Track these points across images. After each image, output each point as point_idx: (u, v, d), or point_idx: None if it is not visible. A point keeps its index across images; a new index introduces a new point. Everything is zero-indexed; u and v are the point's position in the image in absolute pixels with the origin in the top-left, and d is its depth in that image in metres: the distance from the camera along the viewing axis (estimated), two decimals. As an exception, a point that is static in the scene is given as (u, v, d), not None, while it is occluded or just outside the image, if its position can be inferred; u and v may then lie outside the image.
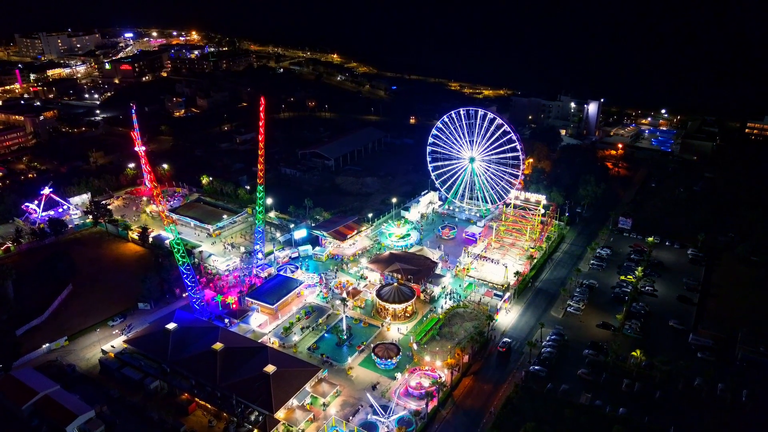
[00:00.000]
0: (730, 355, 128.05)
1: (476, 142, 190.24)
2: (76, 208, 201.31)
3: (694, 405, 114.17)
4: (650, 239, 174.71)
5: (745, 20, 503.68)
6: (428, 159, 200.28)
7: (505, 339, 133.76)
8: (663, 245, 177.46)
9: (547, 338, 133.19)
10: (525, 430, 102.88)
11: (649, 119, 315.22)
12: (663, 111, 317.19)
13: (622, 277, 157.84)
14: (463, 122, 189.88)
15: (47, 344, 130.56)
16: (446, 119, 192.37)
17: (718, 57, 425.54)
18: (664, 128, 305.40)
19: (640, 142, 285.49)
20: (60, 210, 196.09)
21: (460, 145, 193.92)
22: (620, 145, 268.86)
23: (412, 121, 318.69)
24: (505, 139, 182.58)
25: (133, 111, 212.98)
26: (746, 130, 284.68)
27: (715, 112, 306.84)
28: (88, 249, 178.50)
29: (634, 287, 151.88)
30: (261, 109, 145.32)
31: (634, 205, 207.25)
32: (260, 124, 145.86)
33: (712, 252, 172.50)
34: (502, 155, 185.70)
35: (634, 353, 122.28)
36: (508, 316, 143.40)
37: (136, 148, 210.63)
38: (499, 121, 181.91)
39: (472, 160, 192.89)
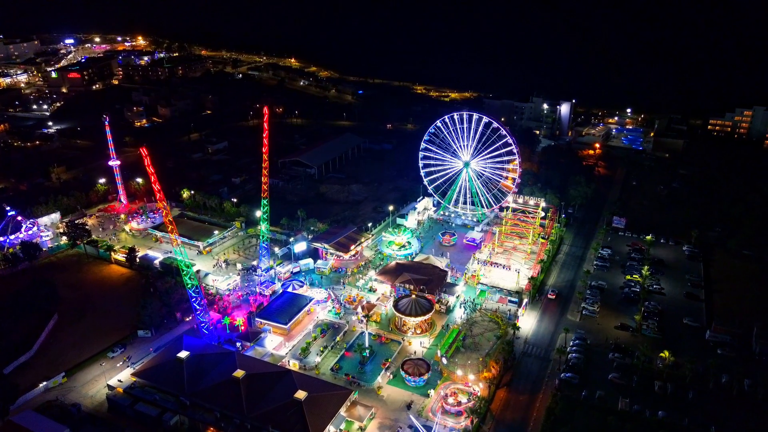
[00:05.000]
0: (747, 350, 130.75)
1: (471, 146, 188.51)
2: (46, 228, 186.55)
3: (728, 403, 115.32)
4: (648, 237, 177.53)
5: (699, 20, 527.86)
6: (420, 165, 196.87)
7: (552, 288, 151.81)
8: (658, 243, 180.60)
9: (571, 343, 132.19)
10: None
11: (616, 118, 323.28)
12: (628, 110, 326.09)
13: (628, 277, 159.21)
14: (457, 126, 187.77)
15: (44, 382, 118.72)
16: (439, 124, 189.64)
17: (676, 55, 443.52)
18: (630, 127, 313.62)
19: (611, 141, 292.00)
20: (30, 232, 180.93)
21: (454, 150, 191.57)
22: (597, 145, 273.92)
23: (389, 126, 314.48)
24: (500, 143, 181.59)
25: (107, 121, 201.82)
26: (708, 127, 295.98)
27: (676, 110, 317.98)
28: (68, 274, 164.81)
29: (643, 287, 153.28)
30: (265, 119, 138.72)
31: (620, 203, 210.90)
32: (264, 135, 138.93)
33: (705, 247, 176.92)
34: (498, 159, 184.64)
35: (662, 354, 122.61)
36: (527, 322, 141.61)
37: (110, 163, 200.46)
38: (495, 125, 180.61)
39: (467, 164, 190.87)
